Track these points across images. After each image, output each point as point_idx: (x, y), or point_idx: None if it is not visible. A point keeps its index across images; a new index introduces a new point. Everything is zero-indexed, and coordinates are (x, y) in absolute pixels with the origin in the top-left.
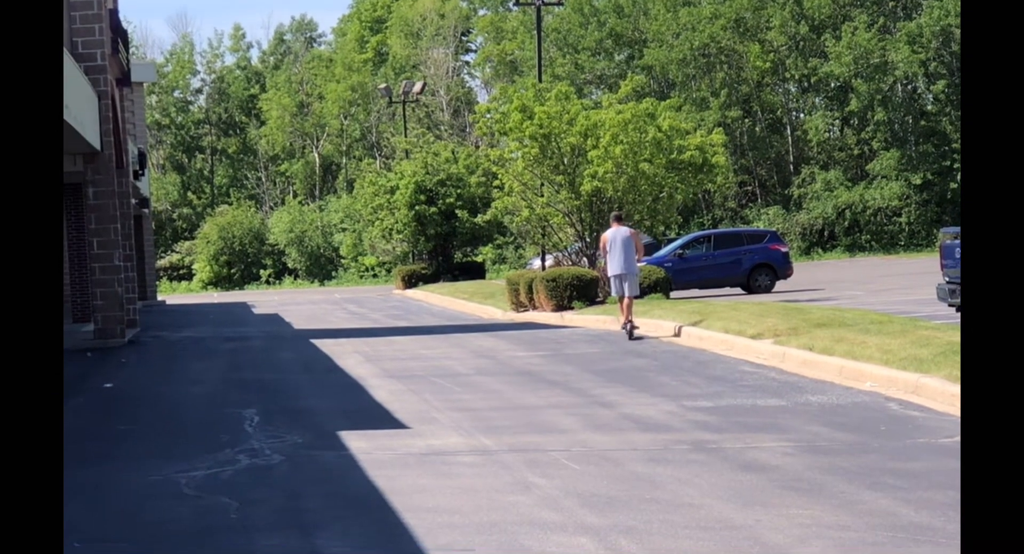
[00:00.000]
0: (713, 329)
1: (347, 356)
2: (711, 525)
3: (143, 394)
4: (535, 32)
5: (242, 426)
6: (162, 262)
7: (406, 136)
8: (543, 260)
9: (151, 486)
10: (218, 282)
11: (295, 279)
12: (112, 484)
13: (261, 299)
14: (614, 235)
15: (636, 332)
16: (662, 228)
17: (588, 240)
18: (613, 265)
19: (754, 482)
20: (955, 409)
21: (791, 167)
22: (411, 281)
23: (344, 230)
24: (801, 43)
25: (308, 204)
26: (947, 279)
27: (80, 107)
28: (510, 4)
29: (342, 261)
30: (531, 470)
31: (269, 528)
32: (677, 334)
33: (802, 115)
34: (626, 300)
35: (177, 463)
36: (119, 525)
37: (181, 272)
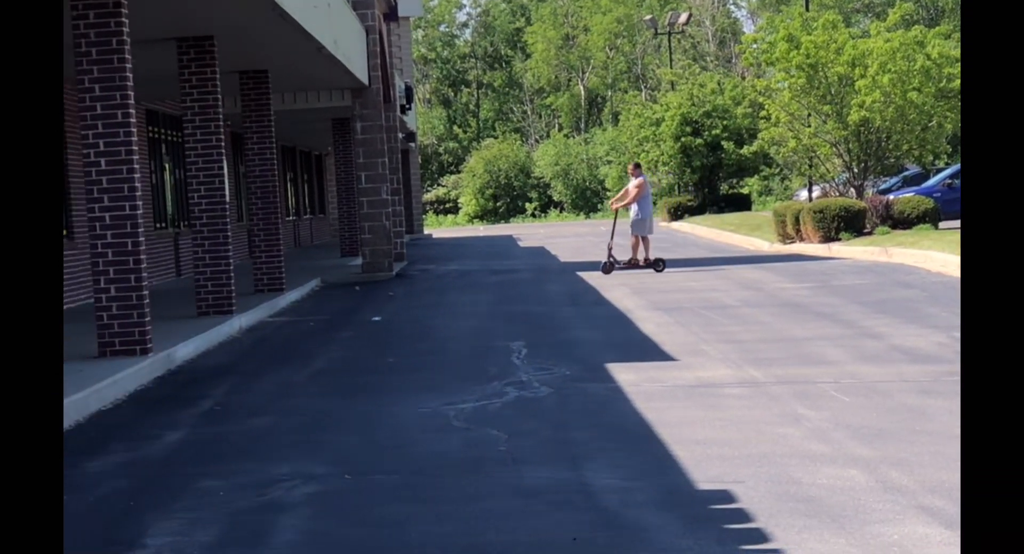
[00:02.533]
0: None
1: (613, 288)
2: None
3: (411, 327)
4: None
5: (510, 358)
6: (428, 196)
7: (671, 68)
8: (810, 191)
9: (420, 418)
10: (483, 215)
11: (560, 212)
12: (382, 416)
13: (526, 232)
14: (645, 182)
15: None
16: (931, 158)
17: (856, 171)
18: (649, 208)
19: None
20: None
21: None
22: (676, 213)
23: (609, 163)
24: None
25: (573, 137)
26: None
27: (348, 42)
28: None
29: (607, 194)
30: (800, 402)
31: (538, 460)
32: (946, 265)
33: None
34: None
35: (446, 395)
36: (389, 457)
37: (447, 206)
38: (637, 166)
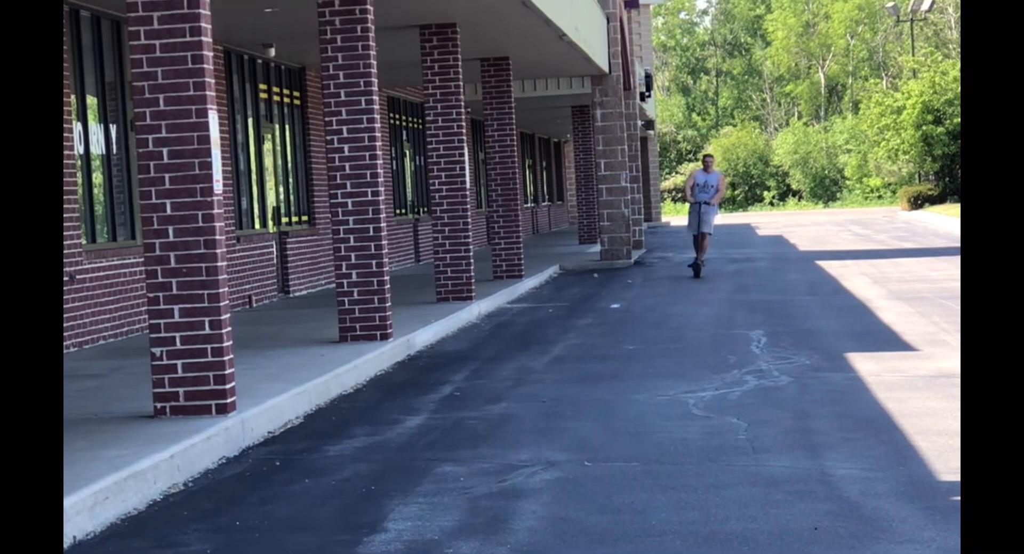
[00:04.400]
0: None
1: (853, 277)
2: None
3: (649, 315)
4: None
5: (749, 347)
6: (666, 184)
7: (913, 55)
8: None
9: (660, 406)
10: (721, 204)
11: (799, 200)
12: (622, 403)
13: (764, 220)
14: None
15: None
16: None
17: None
18: None
19: None
20: None
21: None
22: (916, 202)
23: (849, 151)
24: None
25: (812, 125)
26: None
27: (589, 29)
28: None
29: (846, 182)
30: None
31: (778, 449)
32: None
33: None
34: None
35: (685, 383)
36: (628, 444)
37: (685, 194)
38: (711, 157)
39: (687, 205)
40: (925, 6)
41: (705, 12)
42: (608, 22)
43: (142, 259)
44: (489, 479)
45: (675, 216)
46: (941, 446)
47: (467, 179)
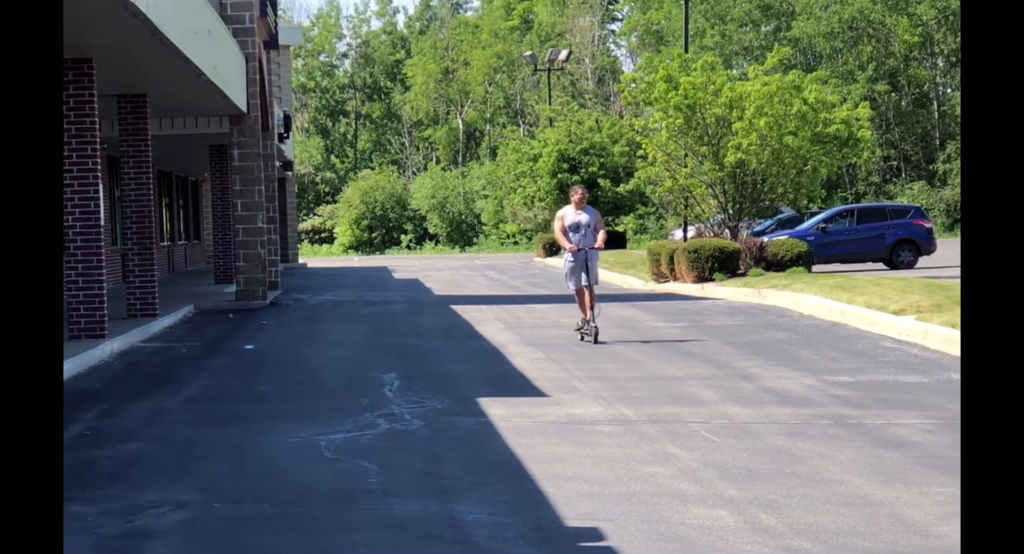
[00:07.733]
0: (855, 304)
1: (487, 323)
2: (851, 501)
3: (284, 356)
4: (683, 1)
5: (382, 390)
6: (304, 225)
7: (550, 104)
8: (685, 231)
9: (291, 448)
10: (359, 246)
11: (436, 245)
12: (253, 445)
13: (402, 264)
14: None
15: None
16: (805, 202)
17: (731, 212)
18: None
19: (895, 459)
20: None
21: (937, 142)
22: (552, 249)
23: (486, 197)
24: (951, 17)
25: (450, 170)
26: None
27: (227, 68)
28: None
29: (483, 228)
30: (671, 441)
31: (409, 493)
32: (818, 308)
33: (949, 90)
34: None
35: (317, 426)
36: (259, 486)
37: (323, 235)
38: (582, 190)
39: (325, 247)
40: (562, 56)
41: (345, 55)
42: (247, 62)
43: None
44: (118, 519)
45: (312, 258)
46: (569, 492)
47: (102, 216)
